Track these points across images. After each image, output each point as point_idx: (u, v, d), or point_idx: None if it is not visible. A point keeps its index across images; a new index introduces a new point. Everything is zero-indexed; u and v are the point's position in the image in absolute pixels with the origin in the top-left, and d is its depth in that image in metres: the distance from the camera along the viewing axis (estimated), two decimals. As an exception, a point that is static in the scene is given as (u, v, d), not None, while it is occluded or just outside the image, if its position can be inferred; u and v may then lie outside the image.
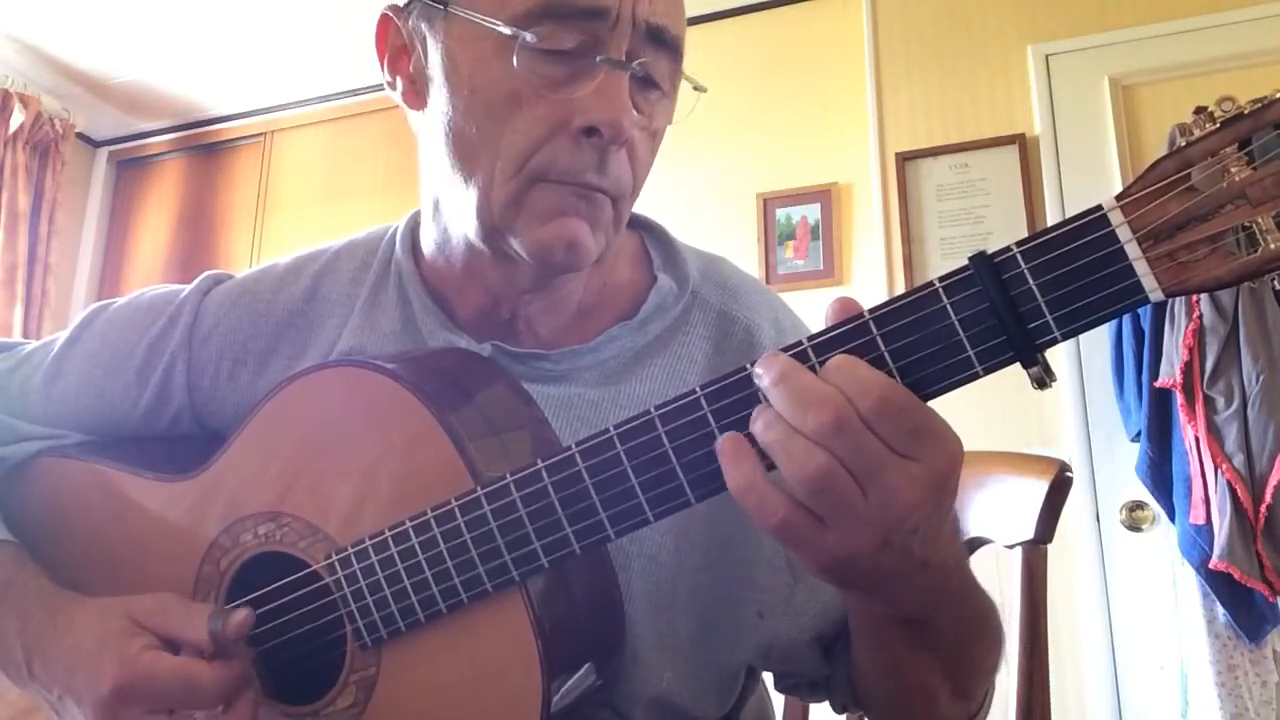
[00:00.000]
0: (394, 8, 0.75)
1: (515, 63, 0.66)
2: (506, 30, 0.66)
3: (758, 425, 0.51)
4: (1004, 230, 2.44)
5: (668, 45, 0.70)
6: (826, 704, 0.83)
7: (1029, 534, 0.90)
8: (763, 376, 0.52)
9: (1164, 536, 2.13)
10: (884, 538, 0.50)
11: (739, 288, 0.83)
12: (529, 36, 0.65)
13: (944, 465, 0.50)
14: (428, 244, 0.81)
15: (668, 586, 0.73)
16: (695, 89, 0.75)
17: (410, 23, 0.73)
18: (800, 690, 0.81)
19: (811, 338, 0.53)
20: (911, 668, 0.68)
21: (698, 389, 0.55)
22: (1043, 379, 0.50)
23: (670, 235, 0.86)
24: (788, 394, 0.50)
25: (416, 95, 0.74)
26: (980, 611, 0.69)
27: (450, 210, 0.76)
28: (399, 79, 0.76)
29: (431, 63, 0.72)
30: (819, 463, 0.49)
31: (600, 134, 0.66)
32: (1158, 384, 2.06)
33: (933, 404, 0.52)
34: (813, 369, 0.52)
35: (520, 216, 0.69)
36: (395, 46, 0.76)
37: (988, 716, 0.77)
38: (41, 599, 0.74)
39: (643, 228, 0.87)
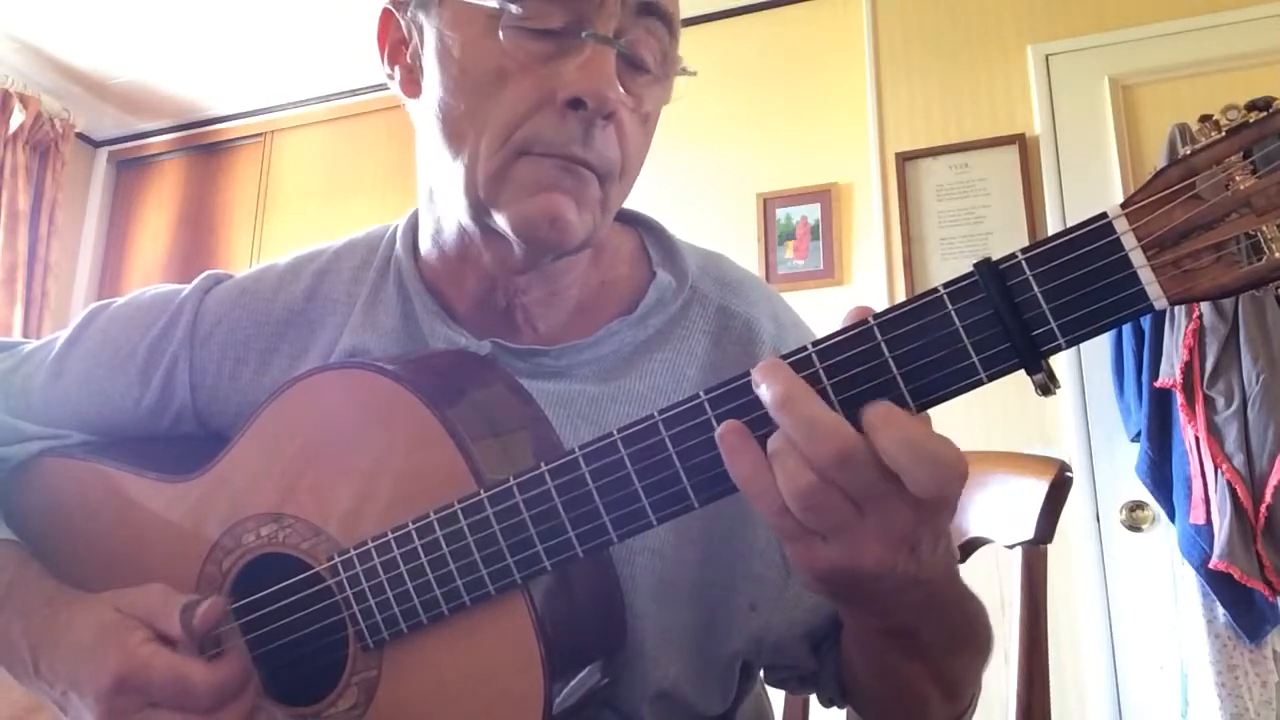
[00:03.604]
0: (395, 2, 0.77)
1: (502, 38, 0.67)
2: (494, 3, 0.67)
3: (773, 436, 0.51)
4: (1004, 230, 2.44)
5: (660, 19, 0.70)
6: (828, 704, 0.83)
7: (1029, 534, 0.90)
8: (764, 391, 0.51)
9: (1164, 536, 2.13)
10: (881, 557, 0.51)
11: (738, 283, 0.83)
12: (514, 9, 0.67)
13: (950, 491, 0.50)
14: (424, 238, 0.82)
15: (670, 580, 0.73)
16: (684, 73, 0.75)
17: (409, 14, 0.75)
18: (790, 683, 0.81)
19: (816, 343, 0.52)
20: (901, 673, 0.69)
21: (701, 393, 0.55)
22: (1047, 386, 0.50)
23: (668, 233, 0.86)
24: (795, 420, 0.50)
25: (413, 83, 0.76)
26: (969, 618, 0.69)
27: (442, 194, 0.76)
28: (397, 69, 0.77)
29: (427, 49, 0.73)
30: (809, 480, 0.49)
31: (585, 106, 0.66)
32: (1158, 384, 2.06)
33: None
34: (817, 375, 0.52)
35: (505, 190, 0.69)
36: (395, 40, 0.77)
37: (991, 716, 0.77)
38: (45, 596, 0.74)
39: (641, 226, 0.87)
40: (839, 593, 0.57)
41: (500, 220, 0.70)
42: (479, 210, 0.71)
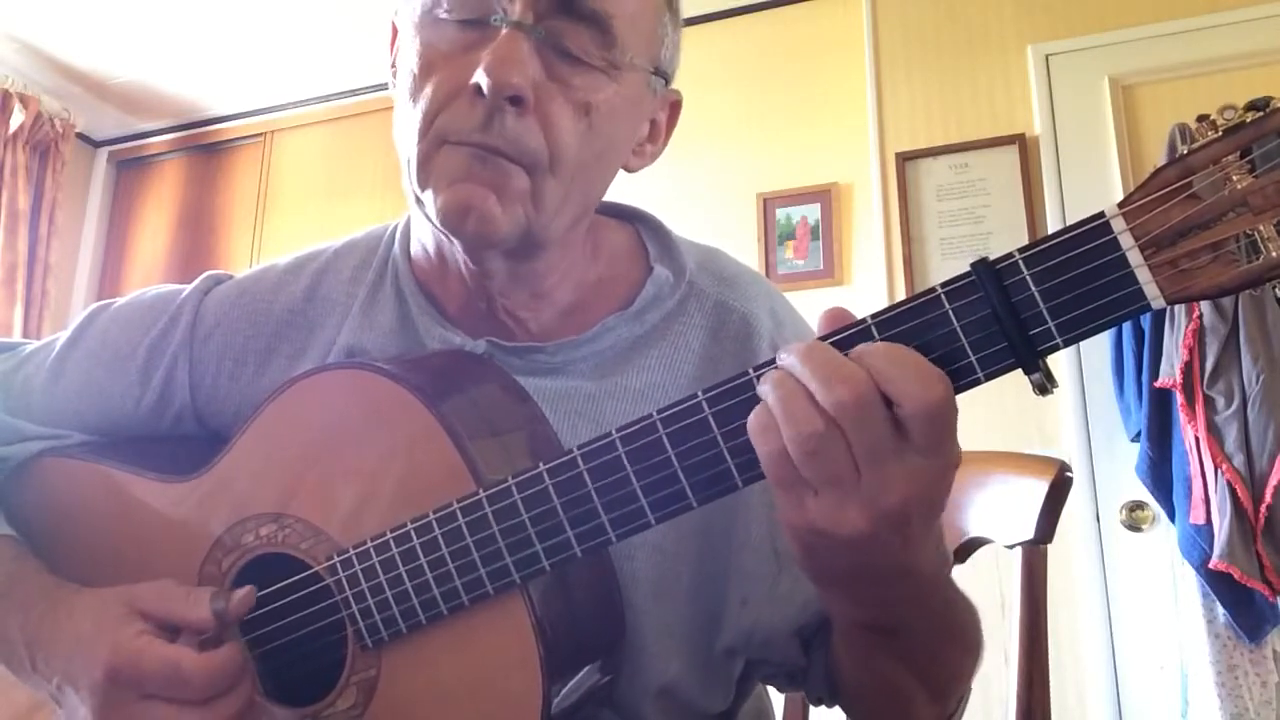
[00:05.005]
0: (397, 13, 0.79)
1: (425, 34, 0.70)
2: (419, 6, 0.71)
3: (765, 385, 0.51)
4: (1004, 230, 2.44)
5: (585, 17, 0.69)
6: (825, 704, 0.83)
7: (1029, 534, 0.90)
8: (782, 354, 0.52)
9: (1164, 536, 2.13)
10: (861, 530, 0.50)
11: (736, 278, 0.83)
12: (438, 2, 0.69)
13: (946, 464, 0.50)
14: (414, 239, 0.82)
15: (670, 576, 0.73)
16: (645, 70, 0.75)
17: (398, 25, 0.78)
18: (777, 680, 0.81)
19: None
20: (887, 671, 0.69)
21: (699, 393, 0.55)
22: (1044, 385, 0.50)
23: (666, 228, 0.86)
24: (817, 362, 0.50)
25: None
26: (960, 625, 0.69)
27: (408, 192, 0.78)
28: (392, 74, 0.79)
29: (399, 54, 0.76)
30: (816, 427, 0.49)
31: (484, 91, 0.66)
32: (1158, 384, 2.06)
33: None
34: None
35: (430, 179, 0.69)
36: (395, 50, 0.79)
37: (991, 716, 0.77)
38: (44, 592, 0.74)
39: (638, 221, 0.87)
40: (819, 565, 0.56)
41: (430, 211, 0.70)
42: (419, 202, 0.72)
